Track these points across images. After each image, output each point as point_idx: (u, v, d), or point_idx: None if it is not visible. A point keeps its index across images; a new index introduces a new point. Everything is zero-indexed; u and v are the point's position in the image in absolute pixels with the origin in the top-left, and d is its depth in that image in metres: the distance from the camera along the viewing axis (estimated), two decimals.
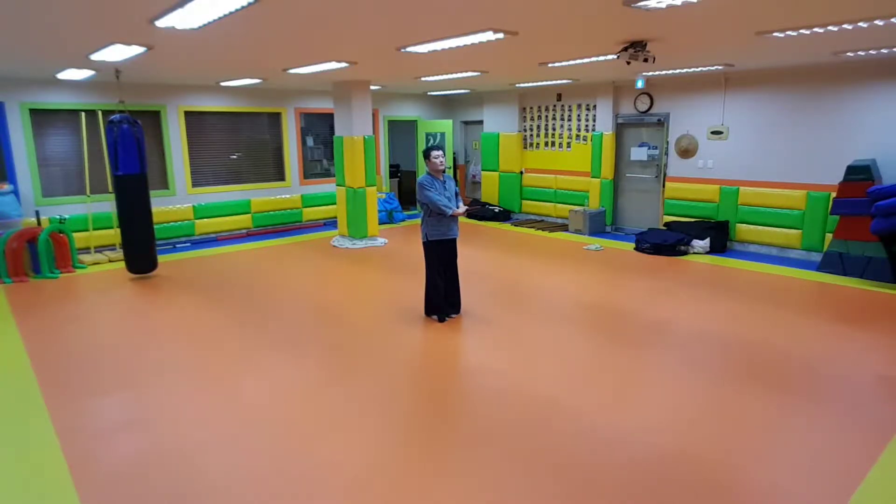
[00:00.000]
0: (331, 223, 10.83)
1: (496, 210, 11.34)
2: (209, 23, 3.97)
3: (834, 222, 7.34)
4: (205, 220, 9.49)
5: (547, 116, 10.89)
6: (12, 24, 4.13)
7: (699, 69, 7.69)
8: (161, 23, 3.97)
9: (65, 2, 3.47)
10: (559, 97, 10.60)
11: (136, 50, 5.20)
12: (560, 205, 10.80)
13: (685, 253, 8.19)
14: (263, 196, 10.19)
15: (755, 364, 4.41)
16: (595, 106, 9.99)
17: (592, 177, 10.12)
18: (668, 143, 9.14)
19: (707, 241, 8.21)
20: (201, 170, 9.59)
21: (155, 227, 7.41)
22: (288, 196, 10.47)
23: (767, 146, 8.04)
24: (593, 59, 6.30)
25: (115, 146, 6.57)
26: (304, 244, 9.17)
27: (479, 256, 8.17)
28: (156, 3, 3.50)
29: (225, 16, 3.75)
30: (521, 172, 11.46)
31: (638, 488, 2.89)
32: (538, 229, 10.28)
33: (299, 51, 5.57)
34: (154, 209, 7.86)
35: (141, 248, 6.94)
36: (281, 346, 4.87)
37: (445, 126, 11.97)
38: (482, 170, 12.05)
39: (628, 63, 5.36)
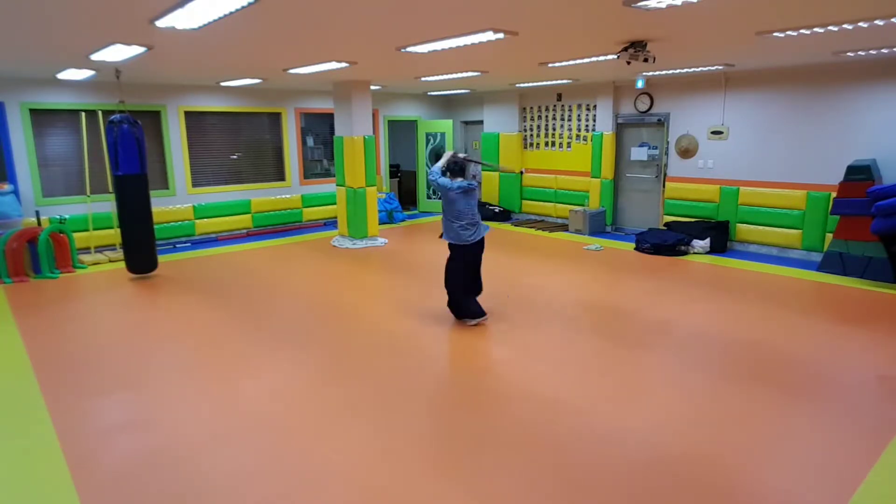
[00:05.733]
0: (331, 223, 10.84)
1: (496, 210, 11.34)
2: (209, 23, 3.97)
3: (834, 222, 7.34)
4: (205, 220, 9.49)
5: (547, 116, 10.88)
6: (12, 24, 4.13)
7: (699, 69, 7.69)
8: (161, 23, 3.97)
9: (65, 2, 3.47)
10: (559, 97, 10.60)
11: (136, 50, 5.19)
12: (560, 205, 10.80)
13: (685, 253, 8.19)
14: (263, 196, 10.19)
15: (755, 364, 4.41)
16: (595, 106, 9.98)
17: (592, 177, 10.12)
18: (668, 143, 9.14)
19: (707, 241, 8.21)
20: (201, 170, 9.58)
21: (155, 227, 7.41)
22: (288, 196, 10.47)
23: (767, 146, 8.04)
24: (593, 59, 6.30)
25: (115, 146, 6.57)
26: (305, 244, 9.17)
27: None
28: (156, 3, 3.50)
29: (225, 16, 3.75)
30: (521, 172, 11.46)
31: (637, 488, 2.89)
32: (538, 229, 10.28)
33: (299, 51, 5.57)
34: (154, 209, 7.87)
35: (141, 248, 6.93)
36: (281, 345, 4.87)
37: (445, 126, 11.97)
38: (482, 170, 12.05)
39: (628, 63, 5.36)
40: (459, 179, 5.04)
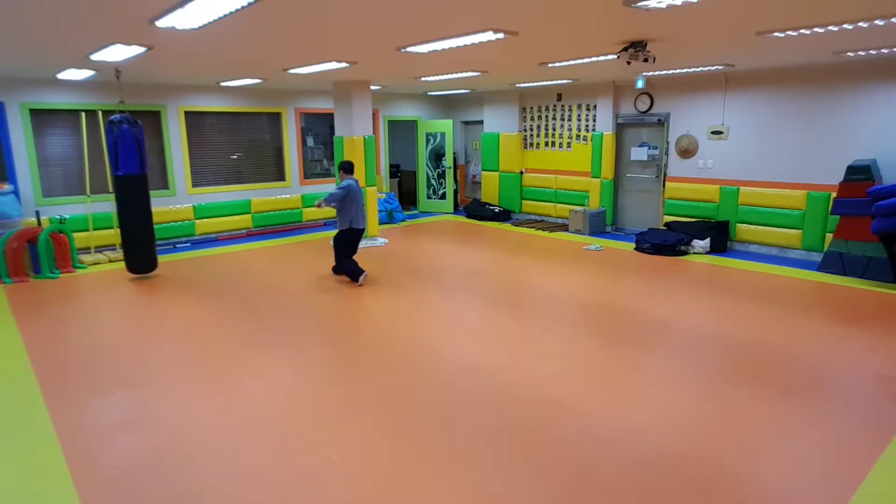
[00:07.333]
0: (331, 223, 10.84)
1: (496, 210, 11.34)
2: (209, 23, 3.97)
3: (834, 222, 7.34)
4: (205, 220, 9.49)
5: (547, 116, 10.89)
6: (13, 25, 4.13)
7: (699, 69, 7.69)
8: (161, 23, 3.97)
9: (65, 2, 3.47)
10: (559, 97, 10.60)
11: (136, 50, 5.20)
12: (560, 205, 10.80)
13: (685, 253, 8.19)
14: (263, 196, 10.19)
15: (755, 364, 4.41)
16: (595, 106, 9.99)
17: (592, 177, 10.12)
18: (668, 143, 9.14)
19: (707, 241, 8.21)
20: (201, 170, 9.58)
21: (155, 227, 7.41)
22: (288, 196, 10.47)
23: (767, 146, 8.04)
24: (593, 59, 6.30)
25: (115, 146, 6.57)
26: (305, 244, 9.17)
27: (479, 256, 8.18)
28: (156, 3, 3.50)
29: (225, 16, 3.75)
30: (522, 172, 11.46)
31: (637, 488, 2.89)
32: (538, 229, 10.28)
33: (299, 51, 5.57)
34: (154, 209, 7.87)
35: (141, 248, 6.93)
36: (281, 346, 4.87)
37: (445, 126, 11.97)
38: (482, 170, 12.05)
39: (628, 63, 5.37)
40: (350, 178, 6.61)
